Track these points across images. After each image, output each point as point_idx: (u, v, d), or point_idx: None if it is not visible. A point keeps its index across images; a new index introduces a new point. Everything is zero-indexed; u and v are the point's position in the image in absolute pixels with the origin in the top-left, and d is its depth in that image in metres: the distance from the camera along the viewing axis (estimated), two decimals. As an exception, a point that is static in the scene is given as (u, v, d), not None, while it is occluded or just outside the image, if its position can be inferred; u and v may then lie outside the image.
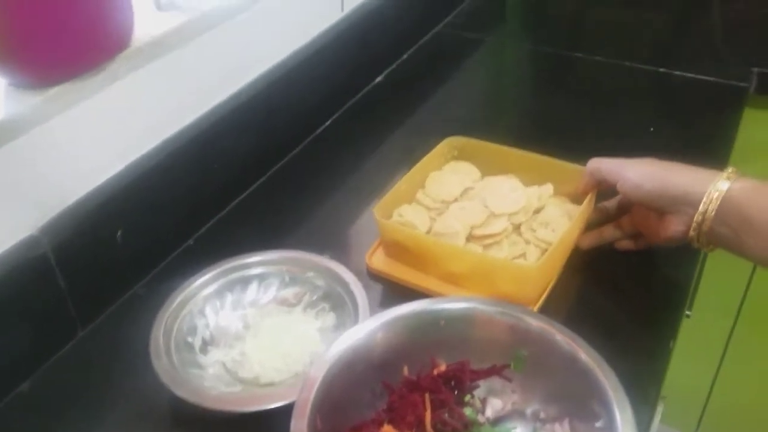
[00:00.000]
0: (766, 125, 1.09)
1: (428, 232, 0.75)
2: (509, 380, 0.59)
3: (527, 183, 0.80)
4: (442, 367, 0.59)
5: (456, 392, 0.59)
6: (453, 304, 0.61)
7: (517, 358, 0.59)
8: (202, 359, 0.65)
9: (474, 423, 0.57)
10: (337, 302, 0.68)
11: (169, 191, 0.77)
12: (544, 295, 0.71)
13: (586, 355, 0.54)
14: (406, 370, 0.59)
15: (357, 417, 0.57)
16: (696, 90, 1.06)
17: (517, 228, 0.76)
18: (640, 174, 0.68)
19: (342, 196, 0.89)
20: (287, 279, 0.71)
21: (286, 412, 0.52)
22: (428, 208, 0.78)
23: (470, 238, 0.75)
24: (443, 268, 0.72)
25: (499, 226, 0.75)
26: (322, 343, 0.66)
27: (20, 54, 0.59)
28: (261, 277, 0.71)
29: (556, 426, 0.56)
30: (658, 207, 0.68)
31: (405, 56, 1.19)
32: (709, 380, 1.39)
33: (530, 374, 0.59)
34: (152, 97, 0.74)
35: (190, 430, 0.55)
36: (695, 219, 0.64)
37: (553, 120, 1.03)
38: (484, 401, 0.60)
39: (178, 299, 0.67)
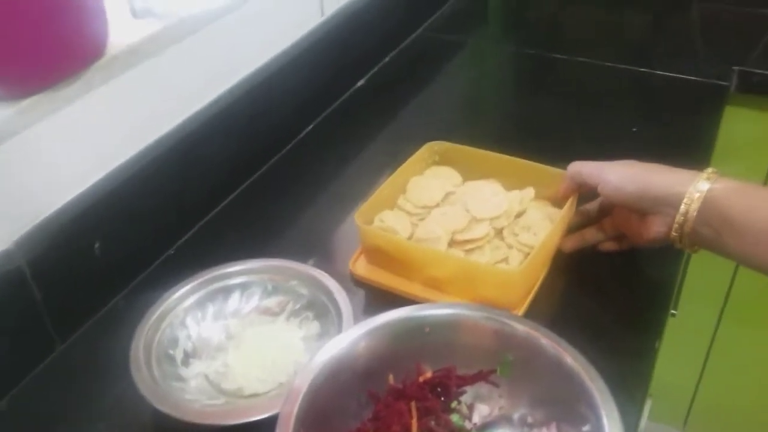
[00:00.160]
0: (747, 123, 1.10)
1: (410, 237, 0.75)
2: (496, 385, 0.59)
3: (508, 187, 0.79)
4: (428, 374, 0.59)
5: (442, 399, 0.59)
6: (437, 310, 0.61)
7: (504, 363, 0.58)
8: (184, 372, 0.64)
9: (461, 429, 0.57)
10: (321, 310, 0.68)
11: (148, 200, 0.76)
12: (528, 299, 0.71)
13: (572, 358, 0.54)
14: (391, 378, 0.59)
15: (342, 427, 0.56)
16: (677, 89, 1.07)
17: (499, 232, 0.76)
18: (620, 176, 0.68)
19: (324, 202, 0.88)
20: (270, 288, 0.71)
21: (270, 423, 0.52)
22: (410, 214, 0.78)
23: (452, 243, 0.74)
24: (426, 273, 0.71)
25: (481, 230, 0.74)
26: (306, 352, 0.66)
27: (-9, 65, 0.58)
28: (243, 287, 0.70)
29: (544, 430, 0.56)
30: (639, 209, 0.68)
31: (386, 59, 1.19)
32: (695, 376, 1.40)
33: (517, 379, 0.58)
34: (129, 105, 0.73)
35: (173, 444, 0.54)
36: (677, 220, 0.64)
37: (535, 122, 1.03)
38: (471, 407, 0.59)
39: (159, 311, 0.66)
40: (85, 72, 0.65)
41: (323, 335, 0.66)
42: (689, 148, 0.92)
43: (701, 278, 1.17)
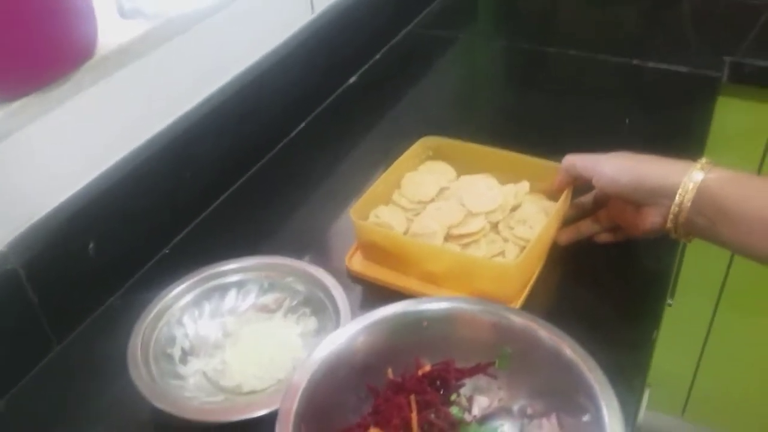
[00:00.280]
0: (739, 113, 1.10)
1: (405, 233, 0.75)
2: (495, 378, 0.59)
3: (503, 181, 0.80)
4: (427, 368, 0.59)
5: (442, 392, 0.59)
6: (435, 304, 0.61)
7: (502, 356, 0.59)
8: (182, 369, 0.64)
9: (461, 422, 0.57)
10: (318, 306, 0.68)
11: (142, 200, 0.76)
12: (525, 292, 0.71)
13: (570, 349, 0.54)
14: (390, 373, 0.59)
15: (342, 422, 0.56)
16: (669, 81, 1.07)
17: (494, 226, 0.76)
18: (615, 168, 0.68)
19: (318, 199, 0.88)
20: (266, 285, 0.70)
21: (269, 420, 0.52)
22: (405, 209, 0.78)
23: (448, 237, 0.74)
24: (422, 268, 0.71)
25: (476, 224, 0.74)
26: (304, 348, 0.66)
27: (-19, 68, 0.58)
28: (239, 284, 0.70)
29: (544, 421, 0.56)
30: (634, 200, 0.68)
31: (377, 56, 1.19)
32: (693, 365, 1.41)
33: (515, 371, 0.58)
34: (120, 105, 0.73)
35: (172, 442, 0.54)
36: (672, 210, 0.64)
37: (528, 116, 1.03)
38: (470, 399, 0.59)
39: (155, 310, 0.65)
40: (75, 73, 0.65)
41: (321, 331, 0.66)
42: (682, 139, 0.92)
43: (697, 268, 1.17)
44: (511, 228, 0.75)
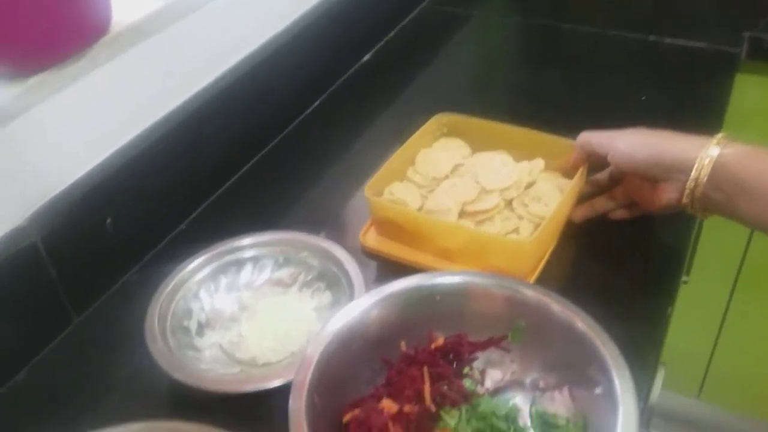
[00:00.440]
0: (757, 91, 1.09)
1: (420, 209, 0.75)
2: (507, 351, 0.59)
3: (518, 158, 0.79)
4: (440, 341, 0.59)
5: (455, 365, 0.59)
6: (448, 278, 0.61)
7: (515, 329, 0.59)
8: (198, 342, 0.65)
9: (473, 394, 0.57)
10: (333, 281, 0.68)
11: (158, 177, 0.77)
12: (539, 269, 0.71)
13: (582, 323, 0.54)
14: (403, 346, 0.59)
15: (355, 394, 0.56)
16: (687, 57, 1.05)
17: (509, 203, 0.76)
18: (630, 144, 0.68)
19: (333, 176, 0.89)
20: (281, 260, 0.71)
21: (284, 391, 0.52)
22: (419, 186, 0.78)
23: (462, 214, 0.74)
24: (436, 244, 0.72)
25: (491, 201, 0.74)
26: (319, 322, 0.66)
27: (-3, 44, 0.58)
28: (255, 259, 0.71)
29: (556, 394, 0.56)
30: (650, 176, 0.68)
31: (392, 34, 1.18)
32: (710, 345, 1.40)
33: (528, 344, 0.58)
34: (135, 82, 0.74)
35: (190, 411, 0.55)
36: (688, 185, 0.64)
37: (544, 93, 1.02)
38: (483, 373, 0.60)
39: (172, 283, 0.66)
40: (90, 50, 0.65)
41: (335, 305, 0.66)
42: (699, 116, 0.91)
43: (715, 247, 1.16)
44: (526, 205, 0.75)
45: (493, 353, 0.59)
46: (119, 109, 0.73)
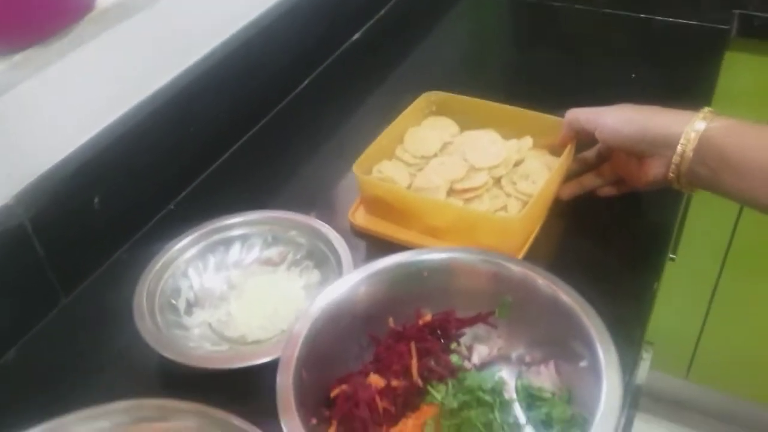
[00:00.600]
0: (747, 69, 1.08)
1: (408, 187, 0.75)
2: (494, 327, 0.60)
3: (506, 136, 0.79)
4: (428, 317, 0.59)
5: (442, 341, 0.60)
6: (435, 254, 0.61)
7: (502, 305, 0.59)
8: (187, 321, 0.65)
9: (460, 369, 0.58)
10: (321, 259, 0.68)
11: (147, 155, 0.76)
12: (527, 246, 0.71)
13: (567, 296, 0.55)
14: (391, 322, 0.60)
15: (344, 370, 0.57)
16: (677, 34, 1.05)
17: (497, 181, 0.76)
18: (618, 119, 0.68)
19: (322, 155, 0.88)
20: (270, 239, 0.71)
21: (273, 367, 0.53)
22: (408, 164, 0.78)
23: (451, 192, 0.74)
24: (425, 222, 0.72)
25: (479, 179, 0.75)
26: (307, 300, 0.66)
27: (-19, 20, 0.58)
28: (243, 238, 0.71)
29: (542, 368, 0.57)
30: (637, 151, 0.68)
31: (382, 12, 1.17)
32: (698, 325, 1.41)
33: (515, 320, 0.59)
34: (123, 59, 0.73)
35: (179, 389, 0.55)
36: (673, 160, 0.64)
37: (533, 71, 1.02)
38: (470, 348, 0.60)
39: (161, 262, 0.66)
40: (77, 26, 0.64)
41: (324, 283, 0.66)
42: (689, 94, 0.90)
43: (703, 226, 1.17)
44: (514, 183, 0.75)
45: (480, 329, 0.60)
46: (107, 86, 0.72)
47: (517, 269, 0.58)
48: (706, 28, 1.04)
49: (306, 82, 1.02)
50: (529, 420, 0.55)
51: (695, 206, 1.03)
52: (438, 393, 0.56)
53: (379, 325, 0.59)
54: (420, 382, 0.56)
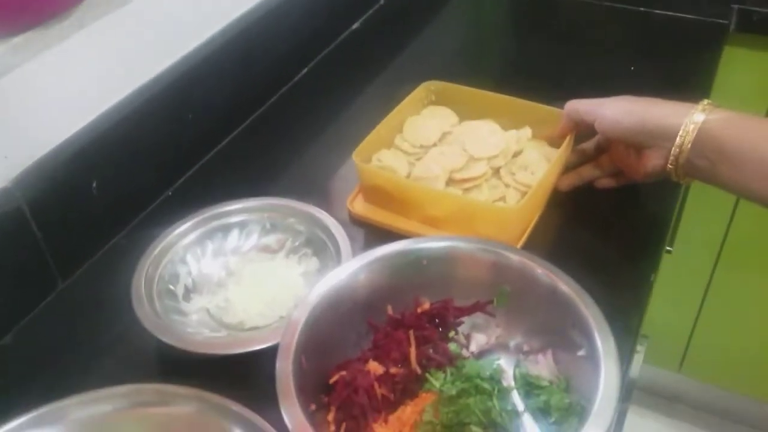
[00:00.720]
0: (746, 63, 1.09)
1: (408, 176, 0.75)
2: (493, 316, 0.60)
3: (505, 127, 0.79)
4: (426, 306, 0.60)
5: (440, 329, 0.60)
6: (435, 243, 0.61)
7: (501, 294, 0.59)
8: (185, 306, 0.65)
9: (458, 357, 0.58)
10: (320, 247, 0.68)
11: (145, 140, 0.76)
12: (525, 237, 0.71)
13: (566, 285, 0.55)
14: (390, 310, 0.60)
15: (343, 357, 0.57)
16: (676, 28, 1.05)
17: (496, 172, 0.76)
18: (617, 111, 0.68)
19: (321, 143, 0.88)
20: (268, 226, 0.71)
21: (272, 353, 0.53)
22: (407, 153, 0.78)
23: (450, 182, 0.75)
24: (424, 211, 0.72)
25: (478, 169, 0.75)
26: (306, 287, 0.66)
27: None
28: (242, 225, 0.71)
29: (540, 357, 0.57)
30: (636, 143, 0.68)
31: (381, 1, 1.17)
32: (691, 319, 1.41)
33: (513, 309, 0.59)
34: (123, 43, 0.73)
35: (177, 375, 0.55)
36: (672, 152, 0.64)
37: (533, 63, 1.02)
38: (468, 337, 0.60)
39: (159, 247, 0.66)
40: (77, 9, 0.64)
41: (322, 271, 0.66)
42: (687, 88, 0.91)
43: (699, 220, 1.17)
44: (513, 173, 0.75)
45: (478, 318, 0.60)
46: (106, 71, 0.72)
47: (515, 258, 0.59)
48: (705, 23, 1.05)
49: (305, 70, 1.01)
50: (527, 407, 0.55)
51: (692, 199, 1.04)
52: (436, 380, 0.56)
53: (377, 313, 0.59)
54: (418, 370, 0.56)
